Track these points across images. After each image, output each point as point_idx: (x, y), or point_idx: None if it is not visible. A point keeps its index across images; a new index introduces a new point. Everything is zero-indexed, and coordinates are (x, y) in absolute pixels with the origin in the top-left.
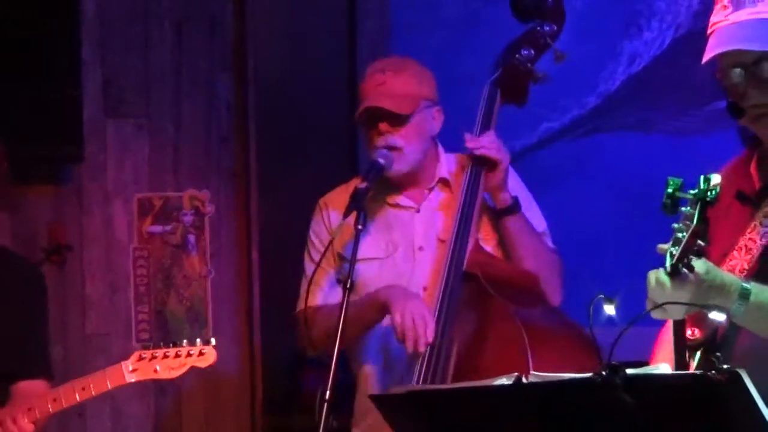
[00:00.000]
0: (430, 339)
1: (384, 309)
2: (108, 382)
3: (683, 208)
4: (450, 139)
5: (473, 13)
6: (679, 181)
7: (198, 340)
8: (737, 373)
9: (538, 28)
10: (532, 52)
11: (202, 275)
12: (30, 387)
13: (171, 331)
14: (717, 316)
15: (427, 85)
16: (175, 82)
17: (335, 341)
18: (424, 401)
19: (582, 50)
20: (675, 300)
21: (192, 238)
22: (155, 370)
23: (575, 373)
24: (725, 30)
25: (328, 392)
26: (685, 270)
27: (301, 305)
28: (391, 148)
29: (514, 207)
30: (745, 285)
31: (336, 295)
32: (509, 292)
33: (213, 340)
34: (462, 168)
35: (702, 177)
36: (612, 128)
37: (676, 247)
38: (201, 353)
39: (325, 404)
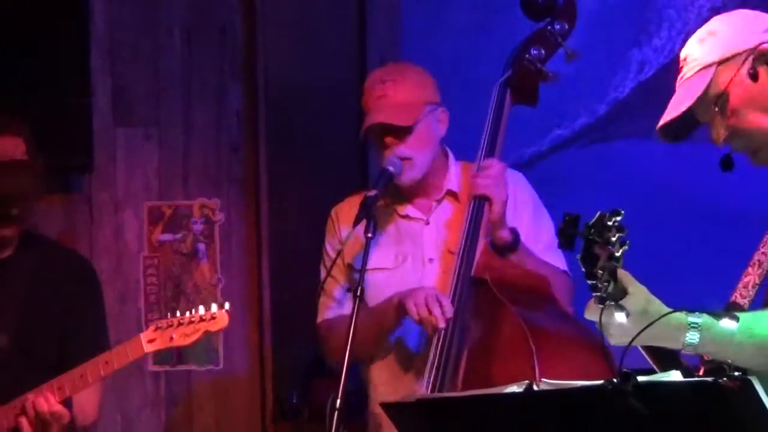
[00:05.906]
0: (449, 313)
1: (400, 309)
2: (129, 354)
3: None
4: (461, 144)
5: (483, 20)
6: (574, 216)
7: (213, 304)
8: (748, 380)
9: (549, 27)
10: (543, 51)
11: (212, 283)
12: None
13: None
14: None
15: (428, 88)
16: (185, 91)
17: (353, 350)
18: (434, 409)
19: (591, 58)
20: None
21: (202, 246)
22: (171, 338)
23: (585, 377)
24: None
25: (338, 400)
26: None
27: (318, 318)
28: (402, 158)
29: (512, 245)
30: (693, 320)
31: (350, 306)
32: (519, 295)
33: (227, 304)
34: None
35: (598, 213)
36: (622, 135)
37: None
38: (213, 317)
39: (336, 413)
